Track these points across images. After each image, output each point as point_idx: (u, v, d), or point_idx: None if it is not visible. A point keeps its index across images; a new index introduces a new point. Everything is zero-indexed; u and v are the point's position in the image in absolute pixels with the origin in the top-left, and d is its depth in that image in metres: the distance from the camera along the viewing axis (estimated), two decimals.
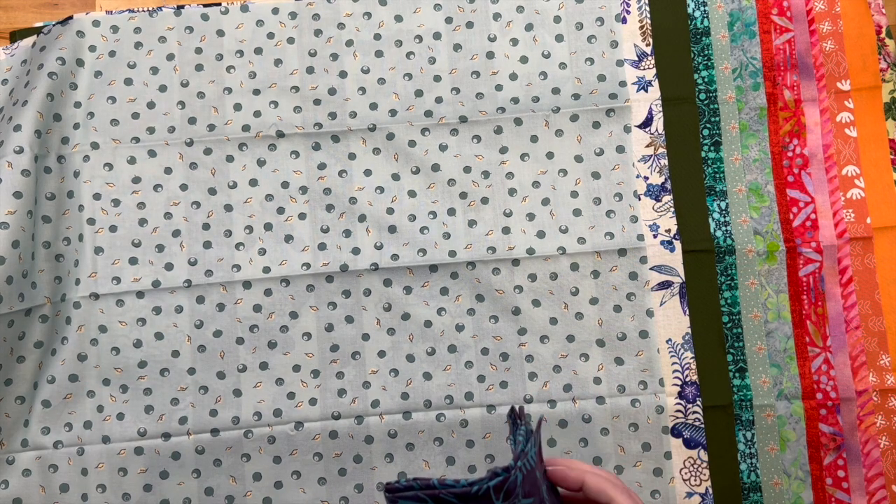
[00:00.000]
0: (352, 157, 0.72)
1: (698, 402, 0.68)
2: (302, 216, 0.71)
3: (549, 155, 0.72)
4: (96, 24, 0.73)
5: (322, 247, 0.71)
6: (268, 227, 0.71)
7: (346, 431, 0.68)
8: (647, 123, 0.72)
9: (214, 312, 0.70)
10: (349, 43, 0.73)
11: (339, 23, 0.74)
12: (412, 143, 0.72)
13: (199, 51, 0.73)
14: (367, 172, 0.72)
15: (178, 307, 0.70)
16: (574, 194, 0.71)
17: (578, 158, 0.72)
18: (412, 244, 0.71)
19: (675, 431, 0.68)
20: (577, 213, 0.71)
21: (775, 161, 0.72)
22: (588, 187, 0.72)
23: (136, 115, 0.72)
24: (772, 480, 0.68)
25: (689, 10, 0.73)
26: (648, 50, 0.73)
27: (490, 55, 0.73)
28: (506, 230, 0.71)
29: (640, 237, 0.70)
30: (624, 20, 0.74)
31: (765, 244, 0.70)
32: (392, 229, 0.71)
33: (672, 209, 0.71)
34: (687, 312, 0.69)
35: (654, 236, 0.70)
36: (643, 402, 0.68)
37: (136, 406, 0.68)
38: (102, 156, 0.71)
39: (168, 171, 0.72)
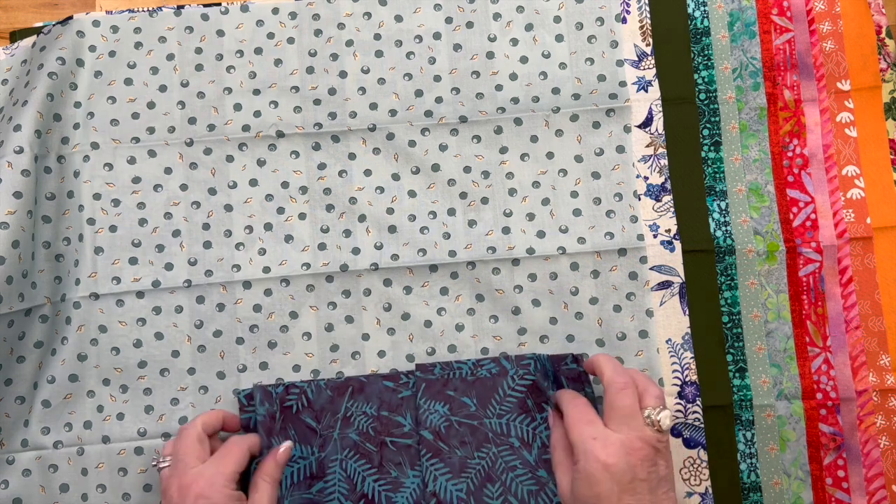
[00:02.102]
0: (352, 157, 0.72)
1: (698, 402, 0.68)
2: (302, 216, 0.71)
3: (549, 155, 0.72)
4: (96, 24, 0.73)
5: (322, 247, 0.71)
6: (268, 227, 0.71)
7: None
8: (647, 123, 0.72)
9: (214, 312, 0.70)
10: (349, 43, 0.73)
11: (339, 23, 0.74)
12: (412, 143, 0.72)
13: (199, 51, 0.73)
14: (367, 172, 0.72)
15: (178, 307, 0.70)
16: (574, 194, 0.71)
17: (578, 158, 0.72)
18: (412, 244, 0.71)
19: (675, 431, 0.68)
20: (577, 213, 0.71)
21: (775, 161, 0.72)
22: (588, 187, 0.72)
23: (136, 115, 0.72)
24: (772, 480, 0.68)
25: (689, 10, 0.73)
26: (648, 50, 0.73)
27: (490, 55, 0.73)
28: (506, 230, 0.71)
29: (640, 237, 0.70)
30: (624, 20, 0.74)
31: (765, 244, 0.70)
32: (392, 229, 0.71)
33: (672, 209, 0.71)
34: (687, 312, 0.69)
35: (654, 236, 0.70)
36: None
37: (136, 406, 0.68)
38: (102, 156, 0.71)
39: (168, 171, 0.72)
